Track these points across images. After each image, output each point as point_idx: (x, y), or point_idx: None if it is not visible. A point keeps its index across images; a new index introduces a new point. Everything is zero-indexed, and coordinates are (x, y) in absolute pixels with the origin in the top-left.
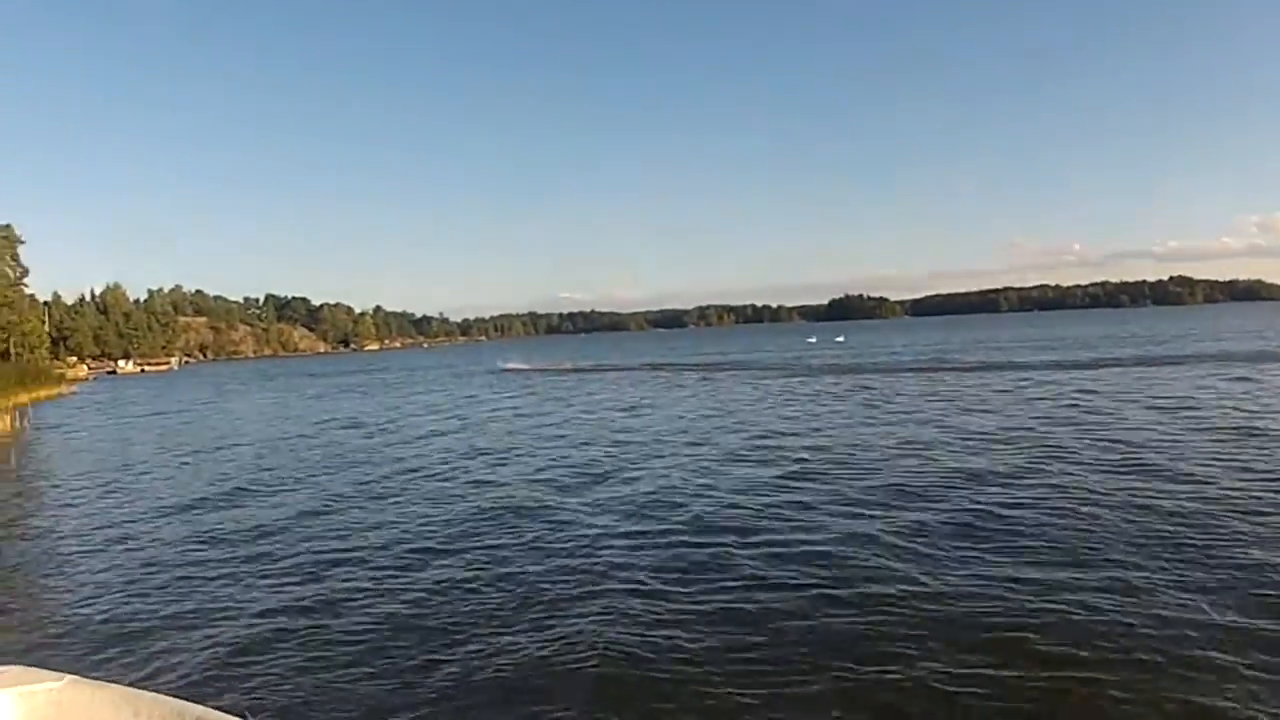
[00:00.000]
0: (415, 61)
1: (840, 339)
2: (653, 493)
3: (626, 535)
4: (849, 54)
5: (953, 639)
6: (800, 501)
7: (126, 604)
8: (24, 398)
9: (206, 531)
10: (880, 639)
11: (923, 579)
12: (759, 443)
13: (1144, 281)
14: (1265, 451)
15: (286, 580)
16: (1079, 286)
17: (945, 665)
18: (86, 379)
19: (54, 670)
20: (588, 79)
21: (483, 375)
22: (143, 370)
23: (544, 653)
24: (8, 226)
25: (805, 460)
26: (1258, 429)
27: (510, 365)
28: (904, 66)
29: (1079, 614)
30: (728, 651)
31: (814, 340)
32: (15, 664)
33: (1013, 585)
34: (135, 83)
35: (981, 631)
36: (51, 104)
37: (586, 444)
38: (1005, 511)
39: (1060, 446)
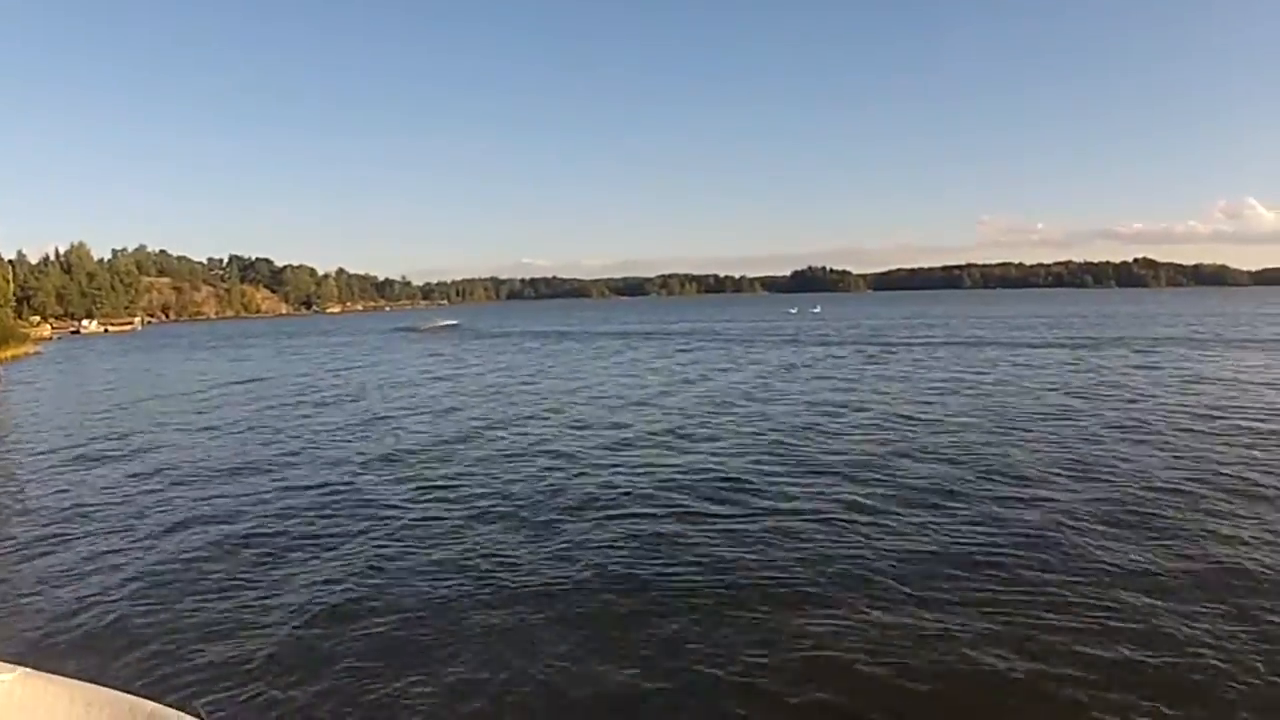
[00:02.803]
0: (383, 19)
1: (816, 309)
2: None
3: None
4: (820, 28)
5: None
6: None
7: (89, 588)
8: None
9: (163, 504)
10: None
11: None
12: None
13: (1108, 263)
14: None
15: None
16: (1043, 265)
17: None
18: (50, 339)
19: (8, 661)
20: (564, 45)
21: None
22: (106, 330)
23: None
24: None
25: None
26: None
27: (425, 326)
28: (874, 40)
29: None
30: None
31: (794, 311)
32: None
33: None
34: (100, 39)
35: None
36: (11, 62)
37: None
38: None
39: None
